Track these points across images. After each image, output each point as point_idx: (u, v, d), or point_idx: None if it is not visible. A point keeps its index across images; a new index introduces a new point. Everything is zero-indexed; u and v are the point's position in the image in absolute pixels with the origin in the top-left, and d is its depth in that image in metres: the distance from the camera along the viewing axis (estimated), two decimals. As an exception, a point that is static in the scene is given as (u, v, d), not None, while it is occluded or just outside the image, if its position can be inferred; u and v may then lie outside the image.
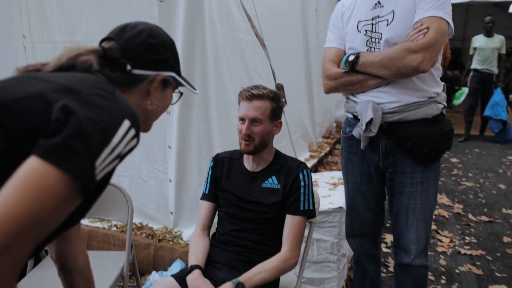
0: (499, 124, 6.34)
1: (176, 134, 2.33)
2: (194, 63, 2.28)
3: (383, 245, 2.79)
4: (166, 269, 2.27)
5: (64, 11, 2.49)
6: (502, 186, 4.31)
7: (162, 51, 0.90)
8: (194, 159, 2.39)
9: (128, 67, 0.86)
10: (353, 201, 1.74)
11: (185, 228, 2.44)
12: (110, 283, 1.62)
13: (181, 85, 0.98)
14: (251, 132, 1.48)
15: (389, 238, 2.91)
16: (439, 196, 3.86)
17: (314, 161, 4.23)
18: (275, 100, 1.52)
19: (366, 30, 1.53)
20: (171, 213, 2.45)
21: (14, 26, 2.60)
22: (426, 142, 1.49)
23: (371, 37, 1.52)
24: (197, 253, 1.51)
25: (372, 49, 1.52)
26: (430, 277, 2.48)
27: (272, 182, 1.53)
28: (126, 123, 0.70)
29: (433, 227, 3.15)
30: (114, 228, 2.50)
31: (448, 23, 1.44)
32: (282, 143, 2.81)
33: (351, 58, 1.51)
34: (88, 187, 0.64)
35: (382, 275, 2.22)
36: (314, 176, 2.79)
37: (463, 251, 2.83)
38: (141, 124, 0.77)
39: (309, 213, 1.52)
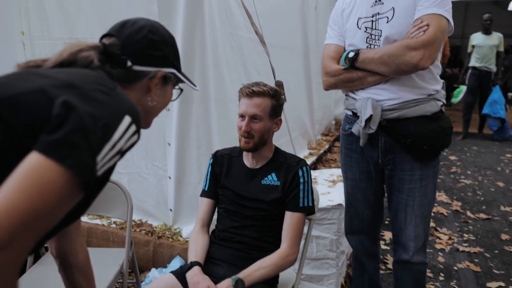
0: (497, 122, 6.35)
1: (176, 131, 2.33)
2: (193, 60, 2.28)
3: (381, 242, 2.80)
4: (165, 266, 2.27)
5: (63, 7, 2.49)
6: (501, 184, 4.32)
7: (163, 47, 0.90)
8: (194, 156, 2.39)
9: (129, 63, 0.85)
10: (352, 198, 1.74)
11: (184, 225, 2.44)
12: (110, 280, 1.63)
13: (182, 81, 0.98)
14: (251, 129, 1.47)
15: (387, 235, 2.92)
16: (437, 193, 3.87)
17: (313, 158, 4.24)
18: (275, 98, 1.52)
19: (366, 27, 1.53)
20: (171, 210, 2.46)
21: (13, 23, 2.59)
22: (425, 139, 1.49)
23: (371, 34, 1.52)
24: (197, 250, 1.51)
25: (372, 46, 1.52)
26: (429, 274, 2.49)
27: (271, 179, 1.54)
28: (127, 119, 0.70)
29: (432, 224, 3.16)
30: (114, 225, 2.50)
31: (448, 20, 1.44)
32: (281, 140, 2.81)
33: (351, 55, 1.51)
34: (89, 183, 0.64)
35: (381, 272, 2.22)
36: (313, 173, 2.79)
37: (461, 248, 2.84)
38: (142, 120, 0.77)
39: (309, 210, 1.52)
